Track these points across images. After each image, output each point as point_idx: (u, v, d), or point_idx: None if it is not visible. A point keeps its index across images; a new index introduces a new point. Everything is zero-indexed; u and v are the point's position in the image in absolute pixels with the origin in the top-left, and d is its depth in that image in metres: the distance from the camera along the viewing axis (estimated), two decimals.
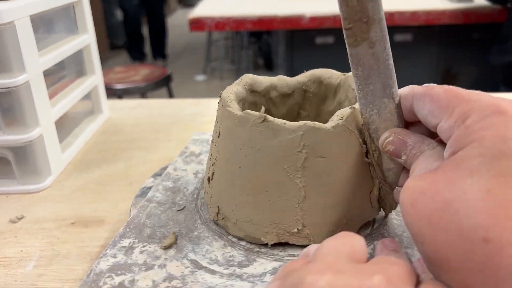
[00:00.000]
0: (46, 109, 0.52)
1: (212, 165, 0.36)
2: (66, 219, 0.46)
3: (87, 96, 0.67)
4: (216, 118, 0.37)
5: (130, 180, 0.53)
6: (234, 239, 0.35)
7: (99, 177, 0.54)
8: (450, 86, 0.25)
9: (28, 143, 0.49)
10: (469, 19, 1.63)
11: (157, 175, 0.47)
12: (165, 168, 0.48)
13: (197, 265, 0.32)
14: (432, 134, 0.27)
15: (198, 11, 1.71)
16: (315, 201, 0.32)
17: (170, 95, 2.17)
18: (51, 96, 0.55)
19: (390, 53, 0.28)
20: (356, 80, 0.29)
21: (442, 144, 0.26)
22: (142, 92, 2.02)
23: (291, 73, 0.45)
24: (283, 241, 0.34)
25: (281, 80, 0.41)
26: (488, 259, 0.18)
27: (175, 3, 6.70)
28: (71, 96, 0.59)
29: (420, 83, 0.31)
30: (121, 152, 0.60)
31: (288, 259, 0.33)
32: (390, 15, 1.61)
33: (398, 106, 0.29)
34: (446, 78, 1.83)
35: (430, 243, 0.21)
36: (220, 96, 0.36)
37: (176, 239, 0.35)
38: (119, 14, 4.42)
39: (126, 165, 0.57)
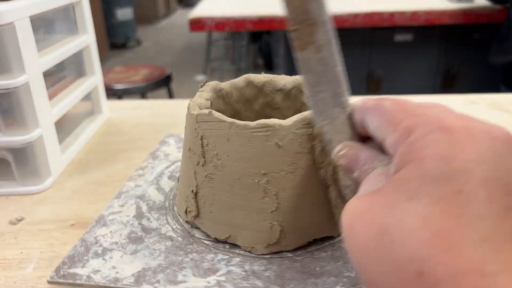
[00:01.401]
0: (46, 110, 0.52)
1: (275, 194, 0.34)
2: (66, 220, 0.46)
3: (87, 97, 0.67)
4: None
5: None
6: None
7: (99, 178, 0.54)
8: (400, 99, 0.24)
9: (28, 144, 0.49)
10: (469, 19, 1.63)
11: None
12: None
13: None
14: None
15: (198, 11, 1.71)
16: None
17: (170, 95, 2.17)
18: (51, 97, 0.55)
19: (339, 59, 0.27)
20: (306, 86, 0.28)
21: None
22: (142, 92, 2.01)
23: (291, 73, 0.45)
24: None
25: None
26: None
27: (175, 3, 6.70)
28: (71, 97, 0.59)
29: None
30: (121, 152, 0.60)
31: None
32: (390, 15, 1.60)
33: (351, 117, 0.27)
34: (447, 78, 1.83)
35: (366, 272, 0.20)
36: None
37: None
38: (118, 14, 4.42)
39: (126, 165, 0.56)
